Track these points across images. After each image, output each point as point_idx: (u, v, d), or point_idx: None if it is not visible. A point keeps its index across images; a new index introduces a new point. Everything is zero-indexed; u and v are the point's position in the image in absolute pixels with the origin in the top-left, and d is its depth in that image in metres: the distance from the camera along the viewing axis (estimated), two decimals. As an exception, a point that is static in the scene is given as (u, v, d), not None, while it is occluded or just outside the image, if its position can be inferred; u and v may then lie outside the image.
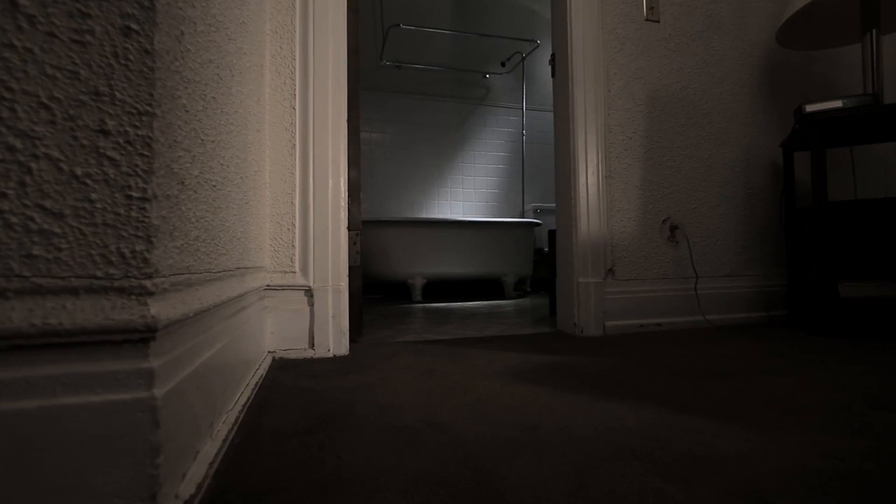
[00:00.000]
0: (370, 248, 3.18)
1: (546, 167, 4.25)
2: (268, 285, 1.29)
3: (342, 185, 1.37)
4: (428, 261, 3.21)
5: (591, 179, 1.66)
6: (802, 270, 1.78)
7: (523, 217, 4.10)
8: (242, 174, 0.94)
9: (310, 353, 1.31)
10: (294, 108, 1.33)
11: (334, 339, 1.33)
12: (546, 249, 3.89)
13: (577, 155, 1.65)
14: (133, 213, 0.43)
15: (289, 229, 1.32)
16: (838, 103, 1.55)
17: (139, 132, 0.43)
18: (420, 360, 1.25)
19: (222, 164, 0.76)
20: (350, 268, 1.54)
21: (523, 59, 4.08)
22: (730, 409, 0.83)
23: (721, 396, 0.91)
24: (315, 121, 1.34)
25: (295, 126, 1.33)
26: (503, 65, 4.05)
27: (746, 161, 1.94)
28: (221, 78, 0.74)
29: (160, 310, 0.44)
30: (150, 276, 0.43)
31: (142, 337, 0.42)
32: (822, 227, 1.56)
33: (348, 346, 1.38)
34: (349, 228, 1.54)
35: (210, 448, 0.61)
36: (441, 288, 3.69)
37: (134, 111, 0.43)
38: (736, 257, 1.90)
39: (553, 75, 1.79)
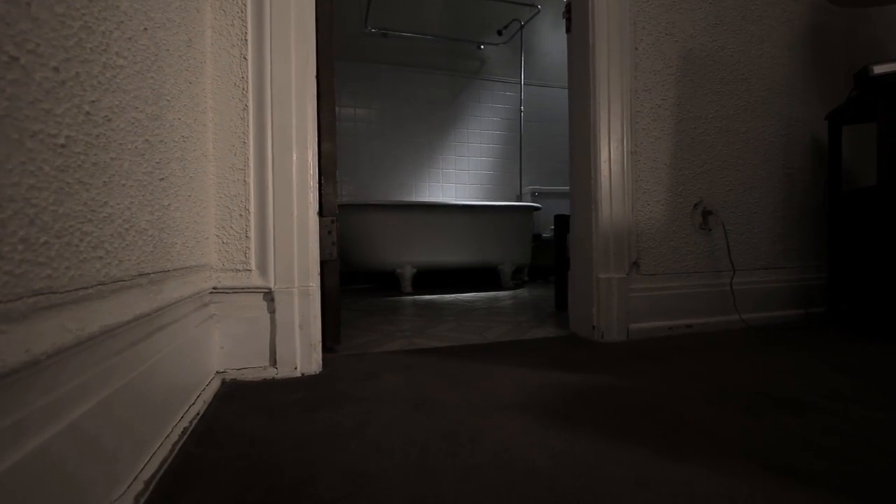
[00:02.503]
0: (354, 235, 2.89)
1: (546, 147, 3.96)
2: (214, 288, 1.01)
3: (310, 159, 1.08)
4: (418, 248, 2.94)
5: (615, 155, 1.39)
6: (847, 263, 1.54)
7: (520, 201, 3.83)
8: (152, 137, 0.65)
9: (271, 373, 1.04)
10: (246, 59, 1.03)
11: (302, 354, 1.06)
12: (545, 235, 3.63)
13: (598, 125, 1.37)
14: None
15: (241, 216, 1.03)
16: (913, 63, 1.29)
17: None
18: (410, 383, 0.99)
19: (90, 115, 0.47)
20: (323, 263, 1.26)
21: (521, 27, 3.75)
22: (856, 471, 0.58)
23: (830, 446, 0.66)
24: (274, 77, 1.04)
25: (247, 82, 1.03)
26: (500, 33, 3.71)
27: (786, 136, 1.68)
28: (77, -34, 0.45)
29: None
30: None
31: None
32: (889, 211, 1.31)
33: (321, 362, 1.11)
34: (321, 214, 1.25)
35: None
36: (432, 278, 3.42)
37: None
38: (772, 247, 1.66)
39: (568, 30, 1.50)
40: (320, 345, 1.11)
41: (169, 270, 0.72)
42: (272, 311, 1.04)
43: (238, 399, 0.90)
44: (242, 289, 1.03)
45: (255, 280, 1.03)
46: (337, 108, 3.43)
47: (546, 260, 3.78)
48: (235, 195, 1.03)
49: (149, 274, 0.63)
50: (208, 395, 0.89)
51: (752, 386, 0.96)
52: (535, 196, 3.66)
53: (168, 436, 0.66)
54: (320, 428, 0.75)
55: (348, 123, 3.46)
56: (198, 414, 0.80)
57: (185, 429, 0.72)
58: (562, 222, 2.01)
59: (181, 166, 0.79)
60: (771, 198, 1.65)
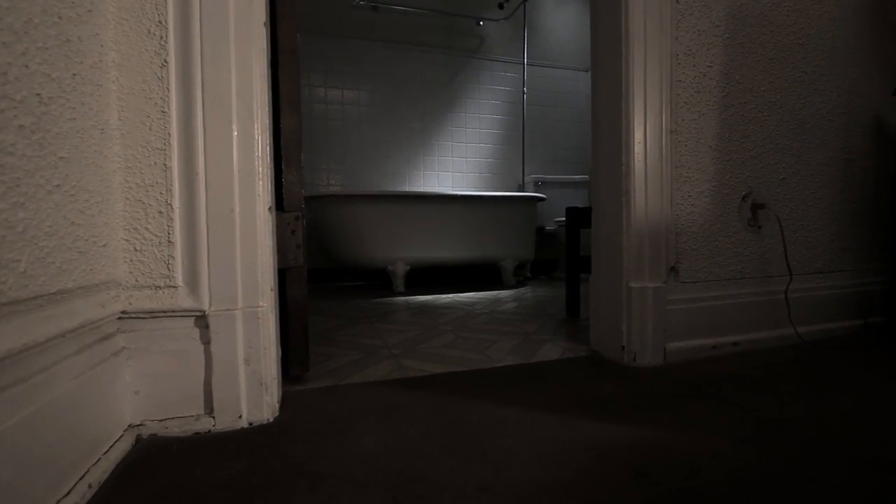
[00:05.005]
0: (342, 229, 2.62)
1: (550, 133, 3.67)
2: (123, 312, 0.73)
3: (258, 136, 0.80)
4: (411, 243, 2.66)
5: (652, 135, 1.12)
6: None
7: (523, 191, 3.56)
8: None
9: (205, 424, 0.77)
10: (164, -5, 0.75)
11: (249, 398, 0.79)
12: (548, 228, 3.36)
13: (631, 97, 1.10)
14: None
15: (162, 213, 0.76)
16: None
17: None
18: (393, 441, 0.72)
19: None
20: (284, 271, 0.99)
21: (524, 0, 3.44)
22: None
23: None
24: (204, 21, 0.76)
25: (166, 28, 0.74)
26: (501, 7, 3.40)
27: (846, 115, 1.41)
28: None
29: None
30: None
31: None
32: None
33: (276, 405, 0.84)
34: (281, 209, 0.98)
35: None
36: (427, 275, 3.15)
37: None
38: (829, 247, 1.40)
39: (592, -20, 1.21)
40: (276, 382, 0.84)
41: (21, 300, 0.45)
42: (207, 341, 0.77)
43: (146, 475, 0.64)
44: (165, 312, 0.76)
45: (183, 300, 0.76)
46: (323, 90, 3.13)
47: (549, 254, 3.52)
48: (152, 185, 0.75)
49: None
50: (104, 467, 0.63)
51: (868, 450, 0.70)
52: (538, 186, 3.39)
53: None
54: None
55: (335, 106, 3.16)
56: (71, 512, 0.54)
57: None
58: (575, 216, 1.74)
59: (38, 139, 0.52)
60: (828, 188, 1.39)
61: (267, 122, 0.82)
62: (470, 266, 2.93)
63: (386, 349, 1.32)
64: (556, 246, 3.50)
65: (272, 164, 0.88)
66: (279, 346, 0.91)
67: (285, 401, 0.91)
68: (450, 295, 2.49)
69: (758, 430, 0.76)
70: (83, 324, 0.61)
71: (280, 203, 0.99)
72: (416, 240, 2.68)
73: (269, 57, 0.89)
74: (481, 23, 3.43)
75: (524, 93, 3.56)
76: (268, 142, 0.82)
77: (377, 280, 3.16)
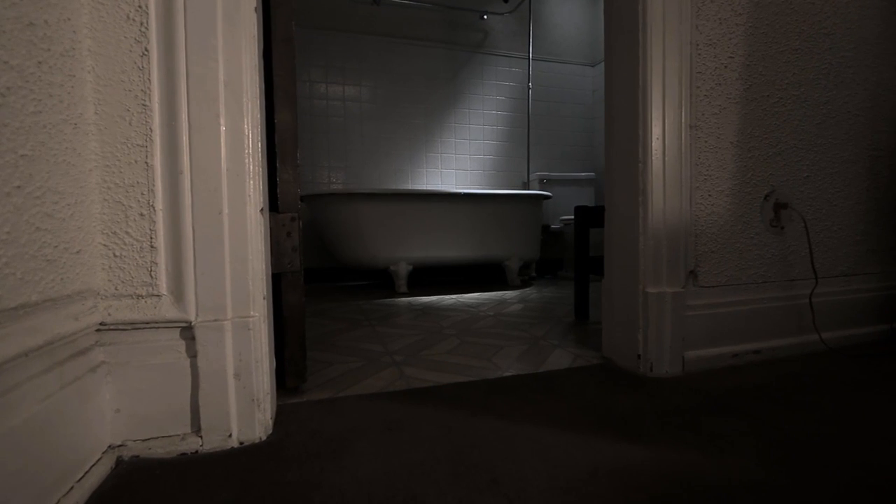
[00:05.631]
0: (343, 228, 2.55)
1: (555, 129, 3.60)
2: (102, 323, 0.67)
3: (248, 131, 0.74)
4: (414, 243, 2.60)
5: (671, 130, 1.05)
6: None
7: (528, 188, 3.49)
8: None
9: (192, 444, 0.71)
10: (144, -22, 0.68)
11: (240, 415, 0.73)
12: (553, 227, 3.30)
13: (649, 88, 1.03)
14: None
15: (143, 215, 0.69)
16: None
17: None
18: (393, 467, 0.66)
19: None
20: (279, 276, 0.93)
21: (529, -5, 3.36)
22: None
23: None
24: (189, 3, 0.69)
25: (147, 13, 0.68)
26: (505, 0, 3.33)
27: (873, 109, 1.34)
28: None
29: None
30: None
31: None
32: None
33: (270, 422, 0.78)
34: (276, 210, 0.92)
35: None
36: (430, 275, 3.09)
37: None
38: (855, 248, 1.33)
39: (606, -34, 1.14)
40: (269, 397, 0.78)
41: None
42: (193, 354, 0.71)
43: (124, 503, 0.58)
44: (147, 323, 0.69)
45: (167, 310, 0.70)
46: (323, 86, 3.07)
47: (554, 253, 3.45)
48: (133, 185, 0.69)
49: None
50: (77, 496, 0.57)
51: (911, 474, 0.63)
52: (543, 183, 3.32)
53: None
54: None
55: (336, 102, 3.10)
56: (32, 555, 0.48)
57: None
58: (585, 216, 1.67)
59: (19, 140, 0.46)
60: (854, 186, 1.32)
61: (259, 116, 0.76)
62: (474, 266, 2.87)
63: (387, 356, 1.26)
64: (561, 245, 3.43)
65: (265, 162, 0.82)
66: (273, 358, 0.85)
67: (280, 416, 0.85)
68: (453, 296, 2.43)
69: (791, 453, 0.69)
70: (51, 340, 0.55)
71: (274, 203, 0.93)
72: (418, 239, 2.61)
73: (262, 47, 0.83)
74: (485, 16, 3.35)
75: (529, 88, 3.48)
76: (259, 138, 0.76)
77: (379, 280, 3.10)
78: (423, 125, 3.28)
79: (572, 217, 3.11)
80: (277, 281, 0.94)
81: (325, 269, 3.07)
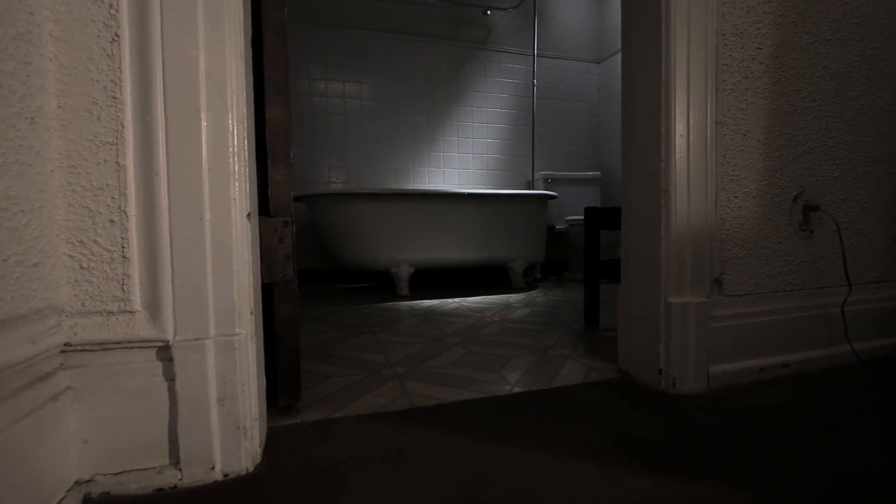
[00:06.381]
0: (343, 229, 2.48)
1: (560, 128, 3.51)
2: (67, 344, 0.60)
3: (232, 126, 0.66)
4: (416, 244, 2.52)
5: (696, 126, 0.97)
6: None
7: (532, 188, 3.40)
8: None
9: (170, 478, 0.64)
10: (114, -47, 0.60)
11: (224, 445, 0.66)
12: (558, 227, 3.21)
13: (673, 82, 0.95)
14: None
15: (114, 221, 0.62)
16: None
17: None
18: (397, 505, 0.58)
19: None
20: (269, 286, 0.85)
21: (534, -11, 3.28)
22: None
23: None
24: (164, -16, 0.61)
25: (117, -7, 0.60)
26: (509, -4, 3.24)
27: (906, 104, 1.26)
28: None
29: None
30: None
31: None
32: None
33: (258, 451, 0.70)
34: (267, 214, 0.84)
35: None
36: (432, 276, 3.02)
37: None
38: (887, 253, 1.25)
39: (624, -50, 1.06)
40: (258, 422, 0.70)
41: None
42: (171, 377, 0.63)
43: (83, 559, 0.50)
44: (119, 343, 0.62)
45: (142, 328, 0.62)
46: (323, 83, 2.99)
47: (559, 254, 3.37)
48: (102, 187, 0.61)
49: None
50: (31, 549, 0.49)
51: None
52: (548, 183, 3.24)
53: None
54: None
55: (336, 100, 3.02)
56: None
57: None
58: (595, 217, 1.59)
59: None
60: (886, 186, 1.24)
61: (245, 110, 0.68)
62: (477, 268, 2.79)
63: (389, 367, 1.18)
64: (566, 245, 3.35)
65: (254, 162, 0.74)
66: (263, 377, 0.77)
67: (270, 441, 0.77)
68: (457, 299, 2.35)
69: (845, 490, 0.61)
70: (15, 362, 0.47)
71: (265, 207, 0.85)
72: (420, 240, 2.53)
73: (250, 34, 0.75)
74: (489, 12, 3.27)
75: (534, 85, 3.40)
76: (246, 134, 0.68)
77: (380, 282, 3.02)
78: (425, 123, 3.20)
79: (578, 217, 3.03)
80: (269, 291, 0.86)
81: (324, 270, 3.00)
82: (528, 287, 2.78)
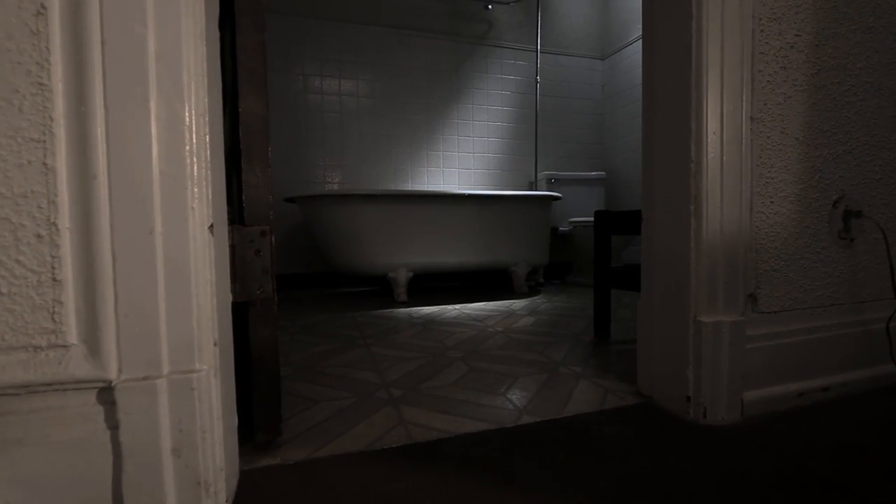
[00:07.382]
0: (338, 232, 2.36)
1: (564, 126, 3.40)
2: (-20, 388, 0.48)
3: (189, 119, 0.54)
4: (415, 248, 2.41)
5: (730, 123, 0.86)
6: None
7: (535, 188, 3.29)
8: None
9: (113, 549, 0.52)
10: None
11: (181, 504, 0.54)
12: (561, 229, 3.10)
13: (704, 72, 0.84)
14: None
15: (41, 236, 0.50)
16: None
17: None
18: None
19: None
20: (245, 305, 0.74)
21: (537, -17, 3.16)
22: None
23: None
24: (103, -56, 0.50)
25: (44, -45, 0.49)
26: (512, -11, 3.13)
27: (950, 99, 1.15)
28: None
29: None
30: None
31: None
32: None
33: (224, 506, 0.59)
34: (241, 222, 0.73)
35: None
36: (432, 280, 2.90)
37: None
38: (930, 262, 1.14)
39: (647, -75, 0.95)
40: (225, 473, 0.59)
41: None
42: (114, 425, 0.52)
43: None
44: (49, 385, 0.50)
45: (77, 366, 0.51)
46: (318, 79, 2.87)
47: (562, 256, 3.26)
48: (25, 195, 0.49)
49: None
50: None
51: None
52: (551, 183, 3.13)
53: None
54: None
55: (332, 97, 2.90)
56: None
57: None
58: (606, 221, 1.48)
59: None
60: (930, 190, 1.13)
61: (206, 101, 0.56)
62: (478, 272, 2.68)
63: (383, 389, 1.07)
64: (569, 248, 3.23)
65: (218, 163, 0.63)
66: (234, 416, 0.66)
67: (242, 490, 0.66)
68: (457, 305, 2.24)
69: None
70: None
71: (240, 214, 0.74)
72: (419, 244, 2.42)
73: (219, 15, 0.64)
74: (490, 6, 3.15)
75: (537, 82, 3.28)
76: (207, 130, 0.57)
77: (377, 286, 2.91)
78: (425, 121, 3.08)
79: (582, 219, 2.92)
80: (244, 311, 0.75)
81: (318, 274, 2.88)
82: (532, 292, 2.67)
